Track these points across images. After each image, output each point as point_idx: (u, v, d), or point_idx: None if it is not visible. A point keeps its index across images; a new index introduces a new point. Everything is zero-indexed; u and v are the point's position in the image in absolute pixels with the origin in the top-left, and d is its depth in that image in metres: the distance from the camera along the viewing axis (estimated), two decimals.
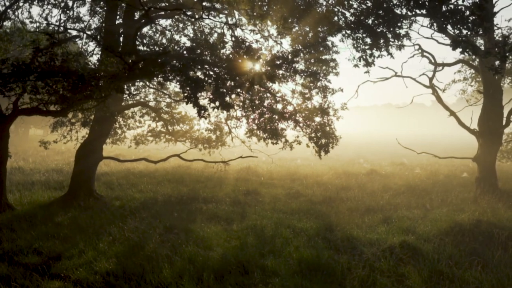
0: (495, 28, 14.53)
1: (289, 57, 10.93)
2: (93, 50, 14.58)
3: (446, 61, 14.18)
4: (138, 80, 10.51)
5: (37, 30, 12.33)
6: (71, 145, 16.80)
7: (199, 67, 6.53)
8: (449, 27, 6.68)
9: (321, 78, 11.61)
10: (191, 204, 11.27)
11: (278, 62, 10.79)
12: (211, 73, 6.66)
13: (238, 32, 17.21)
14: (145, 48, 14.15)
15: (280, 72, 11.62)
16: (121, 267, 6.11)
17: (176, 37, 16.14)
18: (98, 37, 11.31)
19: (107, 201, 11.42)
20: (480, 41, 15.45)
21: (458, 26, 6.53)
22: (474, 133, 12.75)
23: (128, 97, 14.85)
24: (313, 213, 10.23)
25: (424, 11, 6.73)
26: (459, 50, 6.83)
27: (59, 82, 7.20)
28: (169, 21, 15.80)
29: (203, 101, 8.90)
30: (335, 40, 13.39)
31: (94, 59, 14.90)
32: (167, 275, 5.80)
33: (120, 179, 15.49)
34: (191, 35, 15.45)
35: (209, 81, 6.36)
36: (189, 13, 10.83)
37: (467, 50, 6.79)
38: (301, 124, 11.88)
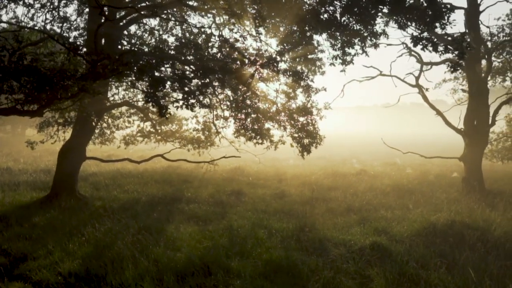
0: (485, 26, 14.41)
1: (273, 56, 10.89)
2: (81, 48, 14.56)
3: (434, 60, 14.11)
4: (112, 80, 10.38)
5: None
6: None
7: (167, 66, 6.46)
8: (409, 23, 6.58)
9: (304, 77, 11.52)
10: (173, 205, 11.21)
11: (262, 62, 10.77)
12: (179, 72, 6.59)
13: (226, 32, 17.18)
14: (132, 48, 14.10)
15: (264, 71, 11.60)
16: (85, 268, 6.06)
17: (165, 36, 16.15)
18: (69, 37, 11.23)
19: (89, 201, 11.36)
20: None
21: (418, 22, 6.42)
22: (461, 132, 12.63)
23: (113, 97, 14.85)
24: (293, 214, 10.14)
25: (386, 8, 6.62)
26: (419, 47, 6.75)
27: (30, 82, 7.15)
28: (157, 21, 15.76)
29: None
30: (320, 39, 13.26)
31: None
32: (128, 276, 5.74)
33: (108, 179, 15.44)
34: (180, 34, 15.42)
35: (175, 79, 6.28)
36: (143, 12, 10.74)
37: (427, 46, 6.69)
38: (284, 124, 11.82)
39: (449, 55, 12.79)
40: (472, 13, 11.94)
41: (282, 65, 11.65)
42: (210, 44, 11.58)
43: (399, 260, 6.18)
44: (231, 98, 11.90)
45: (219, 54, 10.67)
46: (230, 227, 8.64)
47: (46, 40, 10.52)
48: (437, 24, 6.20)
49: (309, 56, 12.56)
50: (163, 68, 6.68)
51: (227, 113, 13.48)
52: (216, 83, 7.82)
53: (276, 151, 12.61)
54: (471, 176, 12.11)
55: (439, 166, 18.98)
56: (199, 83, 7.01)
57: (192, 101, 6.68)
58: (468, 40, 6.99)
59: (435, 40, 6.77)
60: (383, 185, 13.67)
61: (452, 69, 7.16)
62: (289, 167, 19.67)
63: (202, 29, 14.87)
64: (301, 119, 11.80)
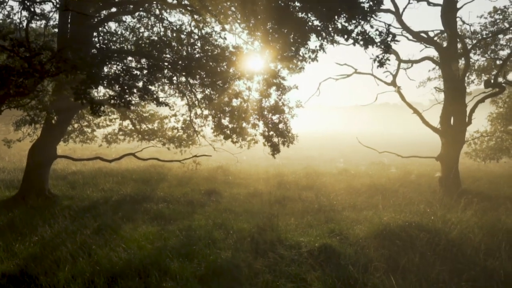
0: (468, 25, 14.12)
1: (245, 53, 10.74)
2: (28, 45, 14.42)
3: (415, 58, 13.88)
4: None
5: None
6: None
7: (113, 62, 6.31)
8: (334, 15, 6.36)
9: (276, 75, 11.37)
10: (142, 204, 11.08)
11: (234, 59, 10.62)
12: (124, 68, 6.45)
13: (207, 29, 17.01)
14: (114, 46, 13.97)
15: (238, 69, 11.45)
16: (20, 270, 5.93)
17: (146, 34, 16.02)
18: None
19: (58, 200, 11.26)
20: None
21: (345, 15, 6.22)
22: (438, 131, 12.38)
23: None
24: (260, 214, 9.96)
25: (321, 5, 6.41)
26: (351, 41, 6.53)
27: None
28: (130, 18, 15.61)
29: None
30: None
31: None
32: (61, 277, 5.61)
33: (87, 178, 15.35)
34: (162, 32, 15.29)
35: (113, 77, 6.13)
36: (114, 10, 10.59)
37: (358, 41, 6.48)
38: (256, 122, 11.66)
39: (427, 52, 12.47)
40: (448, 9, 11.66)
41: (258, 64, 11.55)
42: (191, 42, 11.44)
43: (344, 264, 6.00)
44: (207, 96, 11.80)
45: (194, 52, 10.55)
46: (188, 227, 8.49)
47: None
48: (361, 16, 5.98)
49: (284, 54, 12.38)
50: (109, 65, 6.54)
51: (206, 112, 13.37)
52: (168, 80, 7.64)
53: (264, 151, 12.44)
54: (447, 175, 11.87)
55: (423, 166, 18.71)
56: (145, 80, 6.87)
57: (119, 99, 6.44)
58: (390, 34, 6.70)
59: (369, 34, 6.55)
60: (360, 184, 13.46)
61: (378, 64, 6.92)
62: (273, 166, 19.47)
63: (183, 27, 14.72)
64: (274, 117, 11.64)
